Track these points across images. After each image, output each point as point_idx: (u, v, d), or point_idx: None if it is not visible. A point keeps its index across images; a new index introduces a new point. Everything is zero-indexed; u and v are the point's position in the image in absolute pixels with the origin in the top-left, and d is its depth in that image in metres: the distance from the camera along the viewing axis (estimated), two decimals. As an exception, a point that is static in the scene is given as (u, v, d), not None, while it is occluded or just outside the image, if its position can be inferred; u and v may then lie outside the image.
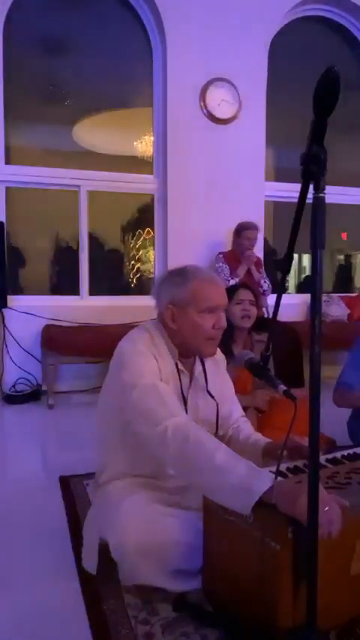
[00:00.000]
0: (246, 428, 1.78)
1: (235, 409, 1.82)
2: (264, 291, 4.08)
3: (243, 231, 4.07)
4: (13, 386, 4.11)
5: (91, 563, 1.51)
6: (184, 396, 1.61)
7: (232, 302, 2.45)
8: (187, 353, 1.63)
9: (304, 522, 1.10)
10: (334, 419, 2.03)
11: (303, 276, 6.37)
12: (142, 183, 4.64)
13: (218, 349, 1.82)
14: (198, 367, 1.69)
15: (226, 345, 2.20)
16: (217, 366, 1.77)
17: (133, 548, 1.39)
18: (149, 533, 1.40)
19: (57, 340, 3.87)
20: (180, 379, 1.60)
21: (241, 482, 1.23)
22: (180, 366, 1.61)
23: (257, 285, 4.09)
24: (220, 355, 1.83)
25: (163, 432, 1.37)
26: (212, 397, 1.68)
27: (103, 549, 1.47)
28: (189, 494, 1.57)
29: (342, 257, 6.34)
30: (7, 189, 4.29)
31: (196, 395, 1.66)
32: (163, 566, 1.43)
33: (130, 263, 5.71)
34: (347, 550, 1.27)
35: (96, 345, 3.77)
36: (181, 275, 1.57)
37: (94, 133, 4.89)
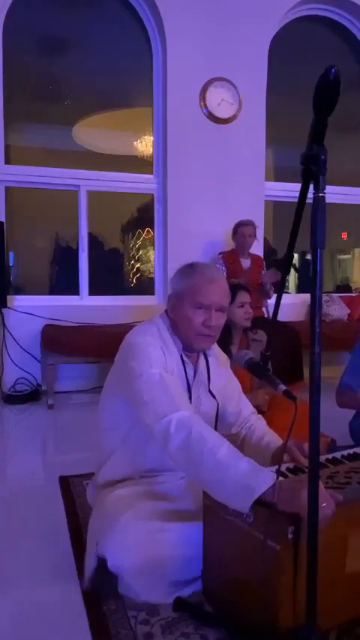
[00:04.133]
0: (260, 426, 1.77)
1: (244, 406, 1.82)
2: (267, 291, 4.08)
3: (238, 228, 4.07)
4: (13, 386, 4.11)
5: (87, 576, 1.48)
6: (189, 388, 1.63)
7: (235, 305, 2.47)
8: (188, 346, 1.64)
9: (304, 517, 1.10)
10: (334, 419, 2.03)
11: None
12: (142, 183, 4.64)
13: (220, 349, 1.83)
14: (202, 362, 1.71)
15: (224, 345, 2.21)
16: (219, 365, 1.78)
17: (130, 566, 1.38)
18: (147, 551, 1.39)
19: (57, 340, 3.86)
20: (185, 370, 1.62)
21: (242, 480, 1.23)
22: (185, 358, 1.63)
23: (261, 286, 4.09)
24: (223, 355, 1.83)
25: (166, 426, 1.37)
26: (213, 396, 1.69)
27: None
28: (189, 496, 1.56)
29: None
30: (7, 189, 4.29)
31: (199, 389, 1.68)
32: (161, 580, 1.42)
33: (130, 263, 5.72)
34: (340, 545, 1.27)
35: (96, 345, 3.77)
36: (189, 268, 1.62)
37: (94, 133, 4.89)
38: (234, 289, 2.60)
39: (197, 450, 1.32)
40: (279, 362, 2.52)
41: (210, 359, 1.72)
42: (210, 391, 1.69)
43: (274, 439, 1.69)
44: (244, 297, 2.52)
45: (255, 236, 4.12)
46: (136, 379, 1.48)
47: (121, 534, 1.40)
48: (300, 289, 5.95)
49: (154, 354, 1.52)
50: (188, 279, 1.59)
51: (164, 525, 1.43)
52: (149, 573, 1.40)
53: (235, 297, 2.49)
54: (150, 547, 1.39)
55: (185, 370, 1.62)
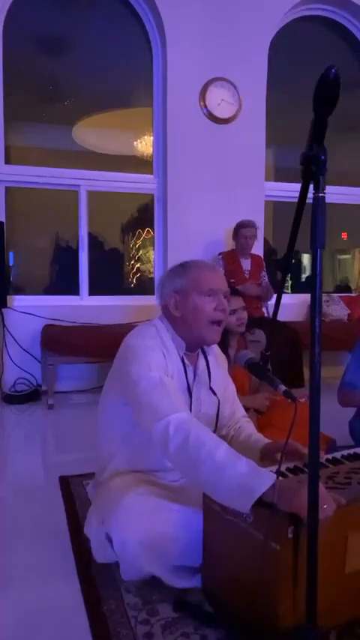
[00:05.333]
0: (248, 428, 1.79)
1: (237, 409, 1.84)
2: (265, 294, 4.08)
3: (239, 229, 4.06)
4: (13, 386, 4.11)
5: (103, 555, 1.52)
6: (189, 389, 1.63)
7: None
8: (192, 345, 1.65)
9: (304, 517, 1.10)
10: (334, 419, 2.03)
11: (304, 276, 6.35)
12: (142, 183, 4.64)
13: (219, 349, 1.83)
14: (202, 363, 1.72)
15: (222, 349, 2.21)
16: (219, 364, 1.79)
17: (135, 541, 1.39)
18: (151, 527, 1.40)
19: (57, 340, 3.86)
20: (186, 373, 1.62)
21: (241, 481, 1.23)
22: (185, 360, 1.63)
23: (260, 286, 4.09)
24: (222, 355, 1.84)
25: (165, 428, 1.38)
26: (214, 394, 1.70)
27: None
28: (189, 491, 1.57)
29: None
30: (7, 189, 4.29)
31: (200, 390, 1.69)
32: (164, 561, 1.44)
33: (130, 263, 5.72)
34: (340, 544, 1.27)
35: (96, 345, 3.77)
36: (182, 266, 1.65)
37: (94, 133, 4.89)
38: None
39: (195, 451, 1.33)
40: (279, 362, 2.52)
41: (209, 357, 1.74)
42: (211, 388, 1.70)
43: (261, 437, 1.71)
44: (235, 303, 2.48)
45: (256, 237, 4.11)
46: (136, 382, 1.48)
47: (126, 509, 1.41)
48: (294, 289, 5.95)
49: (153, 358, 1.53)
50: (188, 274, 1.61)
51: (168, 504, 1.45)
52: (152, 550, 1.41)
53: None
54: (153, 524, 1.41)
55: (186, 372, 1.63)
